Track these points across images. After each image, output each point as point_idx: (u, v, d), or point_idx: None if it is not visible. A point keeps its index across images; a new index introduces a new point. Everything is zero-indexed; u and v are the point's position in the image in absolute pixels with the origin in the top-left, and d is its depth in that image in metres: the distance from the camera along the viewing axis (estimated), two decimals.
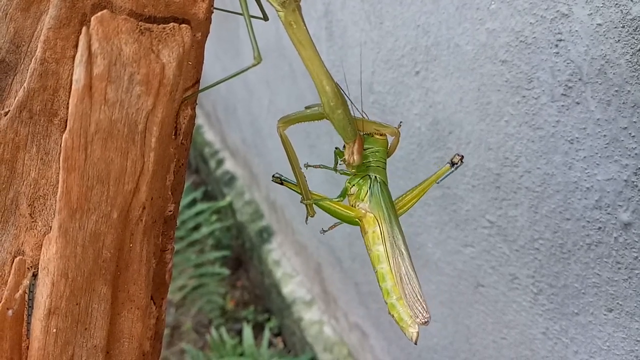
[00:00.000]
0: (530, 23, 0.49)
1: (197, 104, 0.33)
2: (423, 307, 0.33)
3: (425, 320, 0.33)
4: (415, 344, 0.33)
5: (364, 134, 0.36)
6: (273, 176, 0.38)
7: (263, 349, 1.28)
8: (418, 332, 0.33)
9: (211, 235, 1.67)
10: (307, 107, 0.35)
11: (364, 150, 0.35)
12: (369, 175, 0.36)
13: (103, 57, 0.24)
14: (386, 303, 0.34)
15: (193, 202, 1.68)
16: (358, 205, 0.36)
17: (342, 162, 0.36)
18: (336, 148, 0.38)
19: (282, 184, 0.38)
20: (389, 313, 0.34)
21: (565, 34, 0.46)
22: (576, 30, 0.45)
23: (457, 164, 0.38)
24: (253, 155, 1.48)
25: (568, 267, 0.54)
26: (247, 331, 1.31)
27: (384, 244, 0.34)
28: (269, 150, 1.32)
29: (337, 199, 0.36)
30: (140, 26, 0.25)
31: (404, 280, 0.34)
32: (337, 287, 1.13)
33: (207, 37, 0.31)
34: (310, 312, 1.27)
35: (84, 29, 0.24)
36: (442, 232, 0.71)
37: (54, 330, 0.29)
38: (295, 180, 0.36)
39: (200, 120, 2.04)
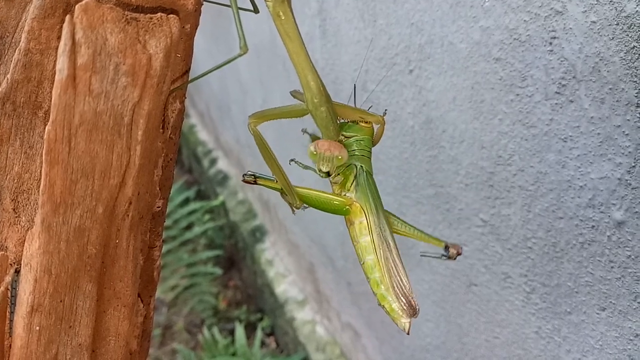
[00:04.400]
0: (524, 20, 0.49)
1: (186, 97, 0.32)
2: (411, 299, 0.33)
3: (414, 313, 0.33)
4: (408, 334, 0.33)
5: (348, 122, 0.35)
6: (244, 176, 0.35)
7: (255, 349, 1.27)
8: (410, 322, 0.33)
9: (204, 234, 1.66)
10: (291, 92, 0.34)
11: (348, 138, 0.34)
12: (354, 165, 0.35)
13: (87, 46, 0.24)
14: (375, 294, 0.34)
15: (186, 201, 1.67)
16: (344, 194, 0.35)
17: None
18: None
19: (255, 183, 0.35)
20: (379, 304, 0.34)
21: (559, 31, 0.46)
22: (570, 28, 0.45)
23: (450, 257, 0.37)
24: (246, 155, 1.48)
25: (561, 266, 0.53)
26: (240, 331, 1.30)
27: (370, 235, 0.34)
28: None
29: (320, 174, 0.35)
30: (127, 15, 0.25)
31: (392, 272, 0.33)
32: (329, 287, 1.13)
33: (196, 29, 0.31)
34: (302, 312, 1.27)
35: (67, 17, 0.23)
36: (435, 230, 0.71)
37: (37, 328, 0.28)
38: (275, 178, 0.34)
39: (193, 119, 2.03)
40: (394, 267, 0.33)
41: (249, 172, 0.35)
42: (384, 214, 0.34)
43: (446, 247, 0.37)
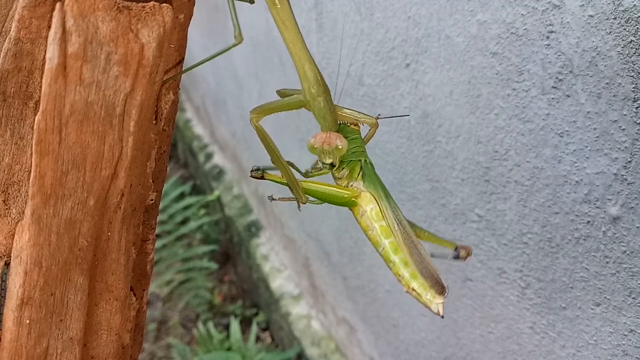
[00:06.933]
0: (522, 14, 0.49)
1: (179, 88, 0.32)
2: (438, 277, 0.32)
3: (443, 290, 0.32)
4: (442, 317, 0.32)
5: (340, 123, 0.35)
6: (251, 171, 0.35)
7: (250, 344, 1.27)
8: (443, 304, 0.32)
9: (199, 229, 1.65)
10: (278, 92, 0.34)
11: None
12: (358, 160, 0.35)
13: (78, 34, 0.23)
14: (403, 277, 0.33)
15: (181, 196, 1.67)
16: (352, 185, 0.35)
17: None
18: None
19: (262, 178, 0.35)
20: (408, 290, 0.33)
21: (556, 25, 0.46)
22: (567, 22, 0.45)
23: (460, 257, 0.36)
24: (242, 149, 1.47)
25: (556, 261, 0.53)
26: (235, 326, 1.30)
27: (386, 220, 0.33)
28: (259, 144, 1.30)
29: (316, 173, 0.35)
30: (119, 4, 0.24)
31: (414, 254, 0.33)
32: (325, 281, 1.13)
33: (190, 19, 0.30)
34: (298, 307, 1.26)
35: (58, 4, 0.23)
36: (431, 226, 0.71)
37: (28, 321, 0.28)
38: (280, 172, 0.34)
39: (189, 113, 2.02)
40: (414, 247, 0.33)
41: (255, 167, 0.35)
42: (393, 201, 0.34)
43: (456, 248, 0.37)
